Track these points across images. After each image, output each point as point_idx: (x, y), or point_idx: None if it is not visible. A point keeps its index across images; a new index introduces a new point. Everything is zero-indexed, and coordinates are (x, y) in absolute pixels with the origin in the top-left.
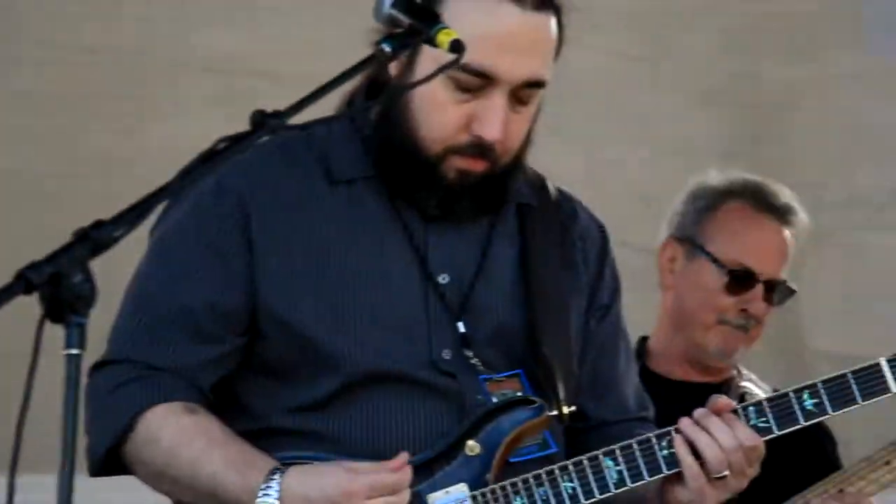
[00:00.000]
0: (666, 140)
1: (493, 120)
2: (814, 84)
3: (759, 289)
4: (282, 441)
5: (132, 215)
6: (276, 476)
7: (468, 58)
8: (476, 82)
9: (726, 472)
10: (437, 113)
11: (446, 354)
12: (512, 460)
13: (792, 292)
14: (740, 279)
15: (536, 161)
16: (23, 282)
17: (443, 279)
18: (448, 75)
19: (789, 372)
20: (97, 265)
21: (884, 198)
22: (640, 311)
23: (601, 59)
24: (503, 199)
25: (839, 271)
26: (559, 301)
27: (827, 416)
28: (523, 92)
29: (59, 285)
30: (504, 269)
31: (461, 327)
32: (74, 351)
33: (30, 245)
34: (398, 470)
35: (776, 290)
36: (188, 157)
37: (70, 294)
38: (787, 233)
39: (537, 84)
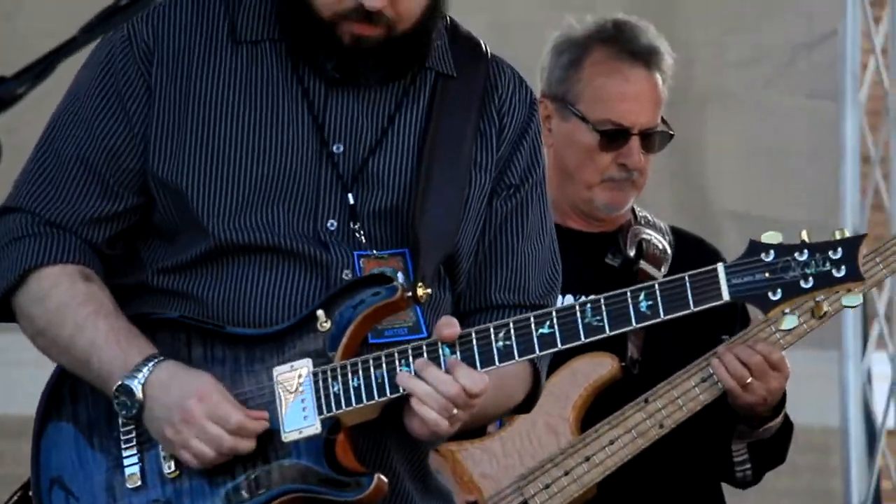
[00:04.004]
0: None
1: None
2: None
3: (634, 141)
4: (155, 298)
5: (35, 71)
6: (151, 363)
7: None
8: None
9: (455, 412)
10: None
11: (331, 225)
12: (375, 341)
13: (670, 136)
14: (613, 136)
15: None
16: None
17: (337, 148)
18: None
19: (695, 231)
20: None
21: (785, 56)
22: None
23: None
24: (408, 65)
25: (742, 131)
26: (455, 179)
27: (659, 320)
28: None
29: None
30: (406, 142)
31: (350, 199)
32: None
33: None
34: (253, 419)
35: (653, 138)
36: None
37: None
38: (655, 77)
39: None
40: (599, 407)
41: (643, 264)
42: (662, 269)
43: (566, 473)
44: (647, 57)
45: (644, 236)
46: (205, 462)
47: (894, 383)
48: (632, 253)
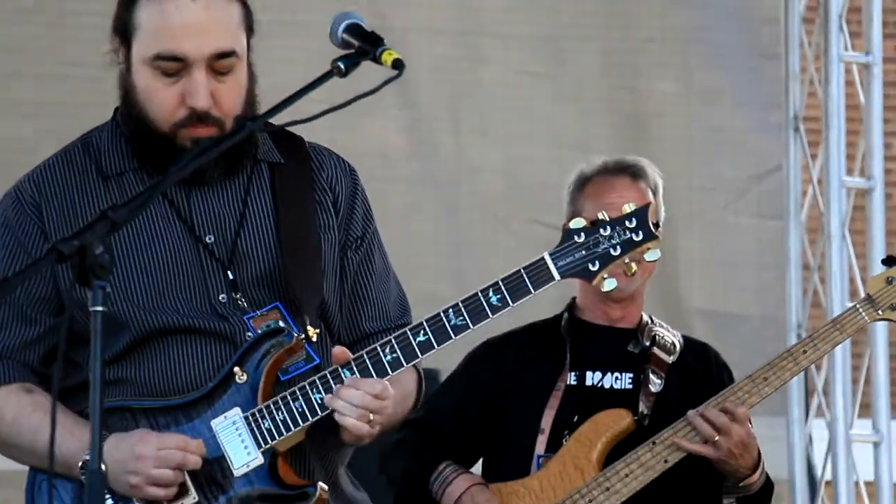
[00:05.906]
0: (565, 140)
1: (198, 91)
2: (680, 96)
3: None
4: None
5: (139, 201)
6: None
7: (162, 47)
8: (174, 66)
9: (371, 417)
10: (155, 98)
11: (223, 298)
12: (284, 378)
13: (656, 225)
14: None
15: (466, 157)
16: (55, 253)
17: (209, 239)
18: (152, 65)
19: (669, 323)
20: None
21: (740, 185)
22: None
23: (511, 75)
24: (242, 157)
25: (707, 244)
26: (309, 242)
27: (509, 308)
28: (218, 63)
29: (85, 256)
30: (262, 221)
31: (230, 275)
32: (99, 308)
33: None
34: (189, 450)
35: None
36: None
37: (94, 262)
38: (638, 184)
39: (227, 54)
40: (616, 450)
41: (655, 350)
42: (671, 358)
43: (590, 501)
44: (632, 169)
45: (657, 332)
46: (170, 486)
47: (830, 444)
48: (647, 343)
